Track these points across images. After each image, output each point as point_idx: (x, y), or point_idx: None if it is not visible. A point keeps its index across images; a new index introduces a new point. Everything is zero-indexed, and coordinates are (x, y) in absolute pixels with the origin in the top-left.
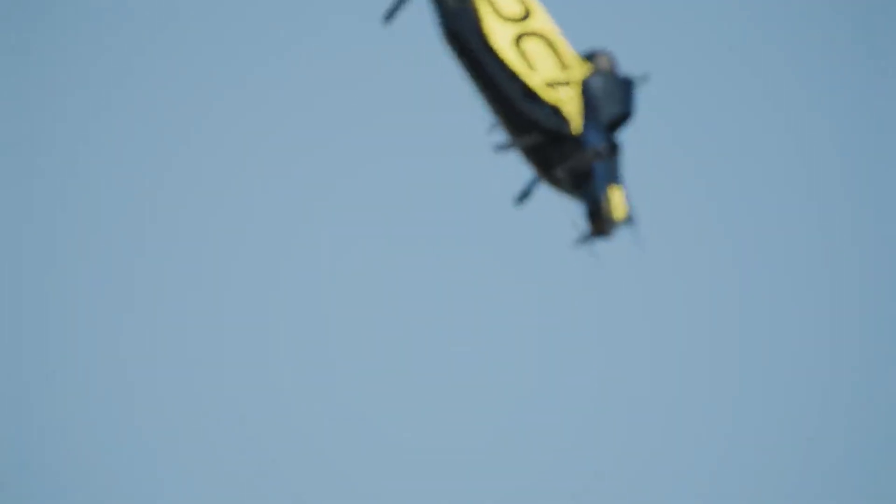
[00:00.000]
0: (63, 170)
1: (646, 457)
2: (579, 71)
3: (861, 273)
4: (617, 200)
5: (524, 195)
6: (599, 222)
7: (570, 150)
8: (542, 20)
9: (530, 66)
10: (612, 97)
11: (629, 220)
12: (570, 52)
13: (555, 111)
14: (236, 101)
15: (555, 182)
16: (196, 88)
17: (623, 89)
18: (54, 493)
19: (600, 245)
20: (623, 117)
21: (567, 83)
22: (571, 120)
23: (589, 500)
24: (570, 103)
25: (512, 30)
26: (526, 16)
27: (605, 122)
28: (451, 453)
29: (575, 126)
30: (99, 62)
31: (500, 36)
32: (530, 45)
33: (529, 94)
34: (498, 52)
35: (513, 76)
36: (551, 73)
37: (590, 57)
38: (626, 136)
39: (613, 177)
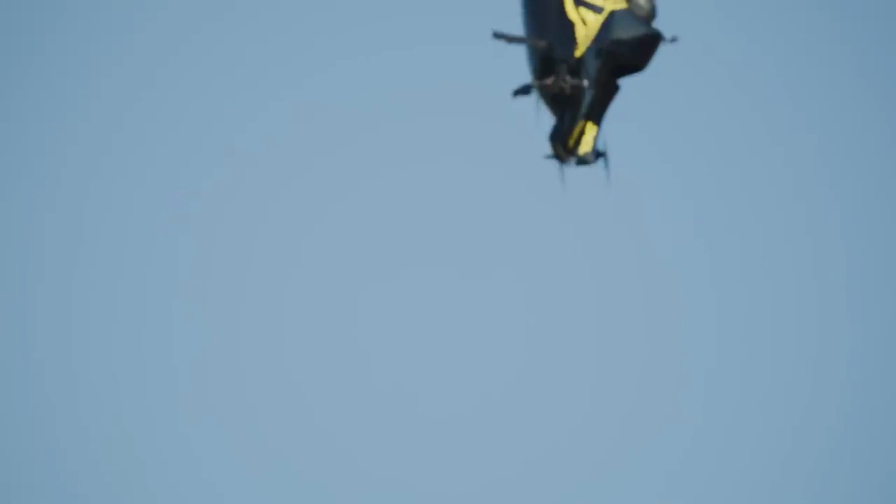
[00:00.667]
0: (63, 169)
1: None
2: (617, 4)
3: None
4: (587, 136)
5: (520, 91)
6: (559, 147)
7: (561, 70)
8: None
9: None
10: (625, 31)
11: (598, 159)
12: None
13: (569, 27)
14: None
15: (542, 90)
16: (198, 89)
17: (642, 34)
18: (54, 493)
19: (569, 172)
20: (628, 59)
21: (600, 9)
22: (578, 43)
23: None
24: (586, 27)
25: None
26: None
27: (603, 49)
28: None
29: (577, 49)
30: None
31: None
32: None
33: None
34: None
35: None
36: None
37: None
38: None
39: (595, 114)
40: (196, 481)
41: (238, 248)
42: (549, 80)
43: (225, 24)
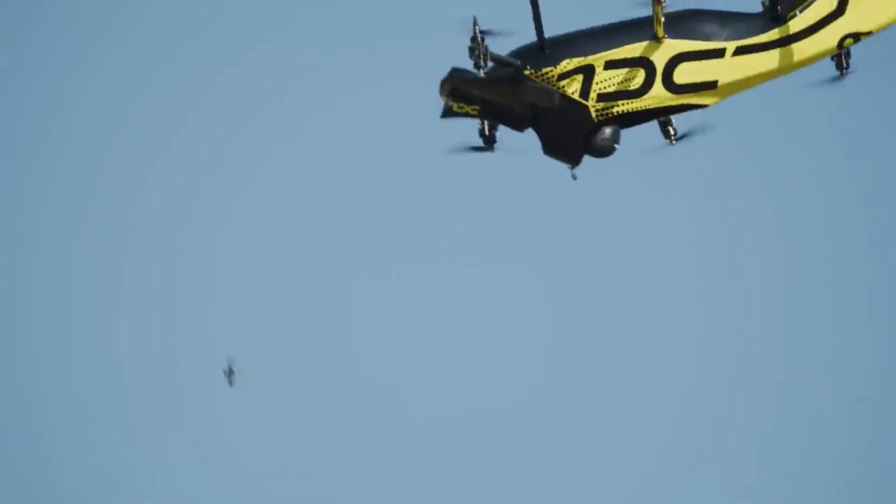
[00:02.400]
0: (62, 170)
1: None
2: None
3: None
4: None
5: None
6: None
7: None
8: None
9: None
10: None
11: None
12: None
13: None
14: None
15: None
16: (200, 90)
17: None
18: (52, 493)
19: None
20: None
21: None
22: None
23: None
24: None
25: None
26: None
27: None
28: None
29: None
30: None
31: None
32: None
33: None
34: None
35: None
36: None
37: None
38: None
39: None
40: (195, 479)
41: (235, 247)
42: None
43: (226, 23)
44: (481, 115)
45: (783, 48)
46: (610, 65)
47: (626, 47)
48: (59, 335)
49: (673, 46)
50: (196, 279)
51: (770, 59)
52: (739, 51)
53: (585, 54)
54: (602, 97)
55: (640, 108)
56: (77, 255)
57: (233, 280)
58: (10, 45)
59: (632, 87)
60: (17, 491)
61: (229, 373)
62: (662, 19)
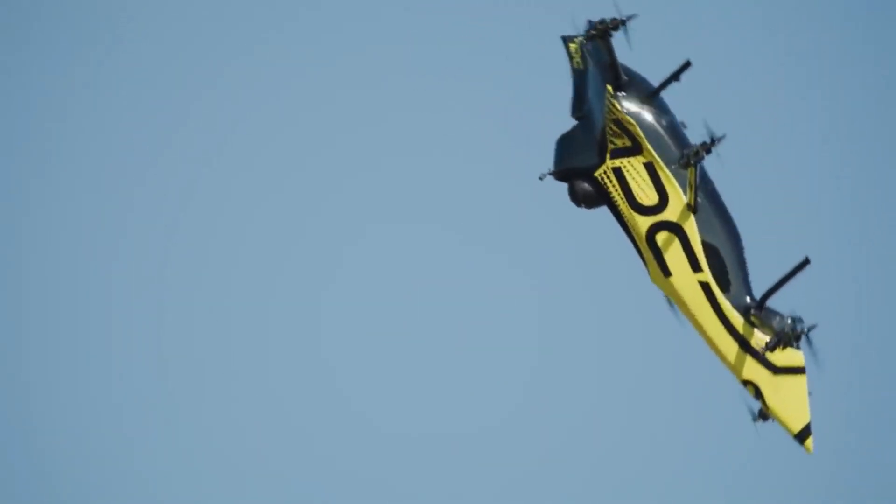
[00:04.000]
0: (63, 171)
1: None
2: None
3: None
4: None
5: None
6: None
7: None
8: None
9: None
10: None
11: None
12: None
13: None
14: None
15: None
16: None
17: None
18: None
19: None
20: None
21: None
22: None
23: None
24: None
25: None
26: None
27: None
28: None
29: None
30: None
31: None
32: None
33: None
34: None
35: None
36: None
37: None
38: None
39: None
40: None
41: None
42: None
43: (225, 23)
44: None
45: (726, 333)
46: (650, 170)
47: (673, 183)
48: (55, 335)
49: (687, 227)
50: (195, 279)
51: (715, 327)
52: (708, 291)
53: (647, 136)
54: (617, 175)
55: (624, 215)
56: (75, 256)
57: (218, 281)
58: (10, 46)
59: (640, 199)
60: (17, 491)
61: None
62: (696, 185)
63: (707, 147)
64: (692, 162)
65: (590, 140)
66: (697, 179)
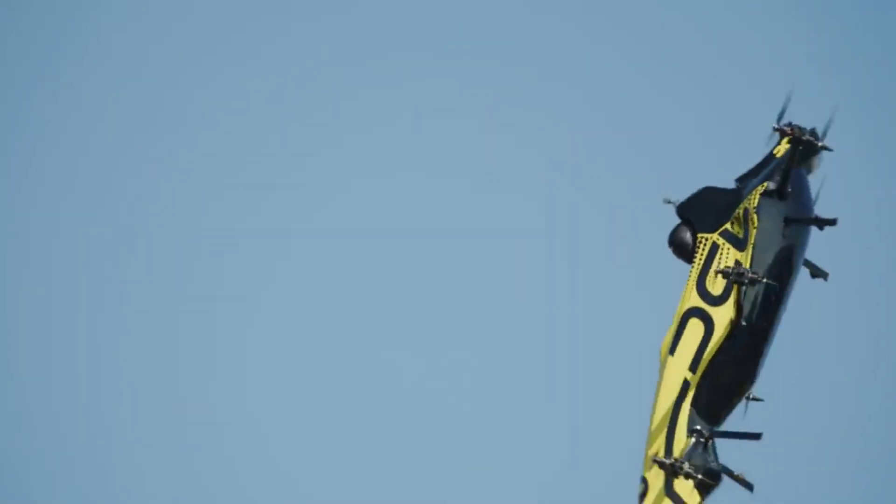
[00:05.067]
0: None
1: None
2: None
3: None
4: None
5: None
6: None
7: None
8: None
9: None
10: None
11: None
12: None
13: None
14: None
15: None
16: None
17: None
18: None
19: None
20: None
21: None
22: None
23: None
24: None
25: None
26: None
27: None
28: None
29: None
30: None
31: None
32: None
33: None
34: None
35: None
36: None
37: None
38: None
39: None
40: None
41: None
42: None
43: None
44: None
45: (663, 434)
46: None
47: (738, 294)
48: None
49: (717, 333)
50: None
51: (663, 421)
52: (682, 392)
53: (757, 245)
54: (710, 250)
55: (688, 282)
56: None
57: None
58: (10, 46)
59: (708, 281)
60: (17, 491)
61: None
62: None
63: (751, 279)
64: (734, 280)
65: (721, 210)
66: (745, 301)
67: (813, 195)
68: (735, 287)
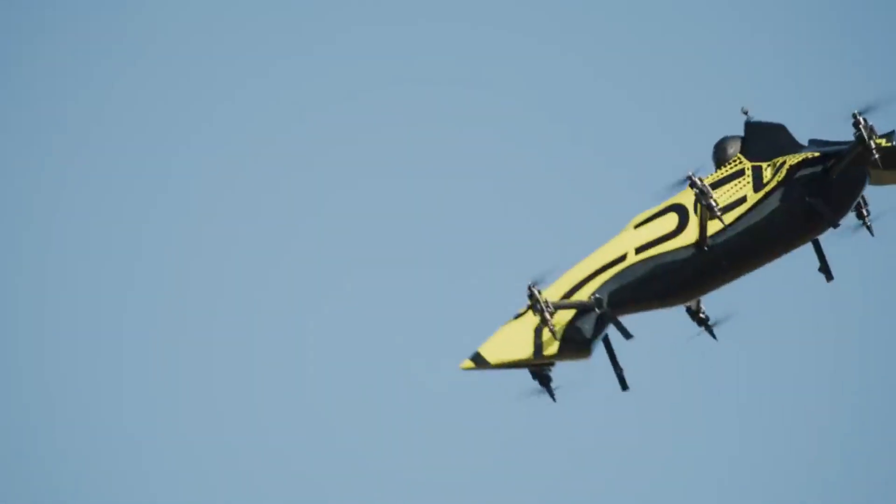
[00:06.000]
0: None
1: None
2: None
3: None
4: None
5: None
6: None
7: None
8: None
9: None
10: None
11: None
12: None
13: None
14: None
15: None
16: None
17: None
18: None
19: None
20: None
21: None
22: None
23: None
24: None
25: None
26: None
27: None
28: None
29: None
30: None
31: None
32: None
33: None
34: None
35: None
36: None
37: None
38: None
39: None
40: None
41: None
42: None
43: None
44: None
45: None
46: (756, 180)
47: (735, 214)
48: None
49: (685, 232)
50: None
51: (583, 271)
52: (617, 259)
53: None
54: (754, 171)
55: (707, 179)
56: (75, 255)
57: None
58: (9, 46)
59: (722, 193)
60: (17, 491)
61: None
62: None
63: (708, 205)
64: (697, 199)
65: (776, 150)
66: (705, 219)
67: (850, 206)
68: (707, 214)
